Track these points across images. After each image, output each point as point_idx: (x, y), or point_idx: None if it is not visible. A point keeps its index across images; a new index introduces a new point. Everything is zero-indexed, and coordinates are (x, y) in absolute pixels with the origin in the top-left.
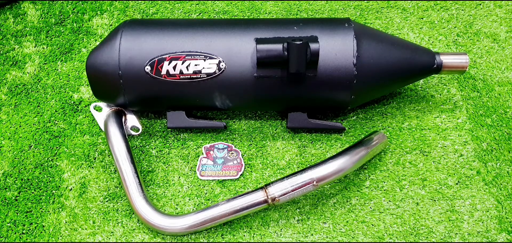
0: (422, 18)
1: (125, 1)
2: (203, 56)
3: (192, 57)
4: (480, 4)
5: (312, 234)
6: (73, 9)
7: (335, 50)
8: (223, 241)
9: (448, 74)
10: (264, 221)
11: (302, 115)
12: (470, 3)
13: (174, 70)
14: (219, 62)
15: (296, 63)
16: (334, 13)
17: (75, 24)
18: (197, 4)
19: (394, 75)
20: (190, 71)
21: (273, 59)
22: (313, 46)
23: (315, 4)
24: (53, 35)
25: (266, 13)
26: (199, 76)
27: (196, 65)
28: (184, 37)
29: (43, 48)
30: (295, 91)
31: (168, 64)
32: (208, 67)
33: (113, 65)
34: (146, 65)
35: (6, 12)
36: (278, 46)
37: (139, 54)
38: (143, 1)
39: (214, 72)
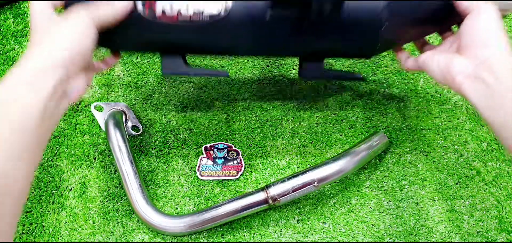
0: None
1: None
2: None
3: None
4: None
5: (312, 234)
6: None
7: None
8: (223, 241)
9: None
10: (264, 221)
11: (318, 64)
12: None
13: (171, 10)
14: (226, 1)
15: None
16: None
17: None
18: None
19: (428, 14)
20: (190, 12)
21: None
22: None
23: None
24: None
25: None
26: (200, 17)
27: (197, 4)
28: None
29: None
30: (314, 34)
31: (164, 1)
32: (212, 6)
33: None
34: (138, 3)
35: (6, 12)
36: None
37: None
38: None
39: (219, 14)
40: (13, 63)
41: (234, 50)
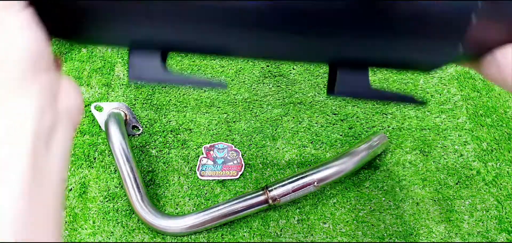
0: None
1: None
2: None
3: None
4: None
5: (312, 234)
6: None
7: None
8: (223, 241)
9: None
10: (264, 221)
11: (360, 76)
12: None
13: None
14: None
15: None
16: None
17: None
18: None
19: None
20: None
21: None
22: None
23: None
24: None
25: None
26: None
27: None
28: None
29: None
30: (365, 27)
31: None
32: None
33: None
34: None
35: None
36: None
37: None
38: None
39: None
40: None
41: (242, 40)
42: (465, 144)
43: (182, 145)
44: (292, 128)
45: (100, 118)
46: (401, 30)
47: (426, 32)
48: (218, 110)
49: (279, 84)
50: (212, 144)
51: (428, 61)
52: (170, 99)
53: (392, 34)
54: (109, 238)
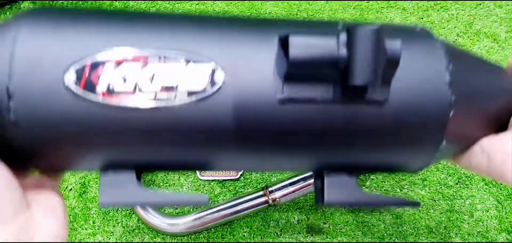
0: (422, 18)
1: (125, 1)
2: (184, 57)
3: (162, 59)
4: (480, 4)
5: (312, 235)
6: None
7: (416, 61)
8: (223, 241)
9: None
10: (264, 221)
11: (348, 180)
12: (470, 3)
13: (125, 84)
14: (214, 70)
15: (366, 68)
16: (334, 13)
17: None
18: (197, 4)
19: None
20: (157, 86)
21: (320, 61)
22: (391, 43)
23: (315, 4)
24: None
25: (266, 13)
26: (173, 95)
27: (169, 73)
28: (147, 24)
29: None
30: (350, 128)
31: (114, 70)
32: (193, 78)
33: None
34: (67, 71)
35: (6, 12)
36: (329, 40)
37: (54, 51)
38: (143, 1)
39: (203, 92)
40: None
41: (224, 156)
42: None
43: None
44: None
45: None
46: (396, 126)
47: (405, 141)
48: None
49: None
50: None
51: (412, 166)
52: None
53: (387, 132)
54: (109, 238)
